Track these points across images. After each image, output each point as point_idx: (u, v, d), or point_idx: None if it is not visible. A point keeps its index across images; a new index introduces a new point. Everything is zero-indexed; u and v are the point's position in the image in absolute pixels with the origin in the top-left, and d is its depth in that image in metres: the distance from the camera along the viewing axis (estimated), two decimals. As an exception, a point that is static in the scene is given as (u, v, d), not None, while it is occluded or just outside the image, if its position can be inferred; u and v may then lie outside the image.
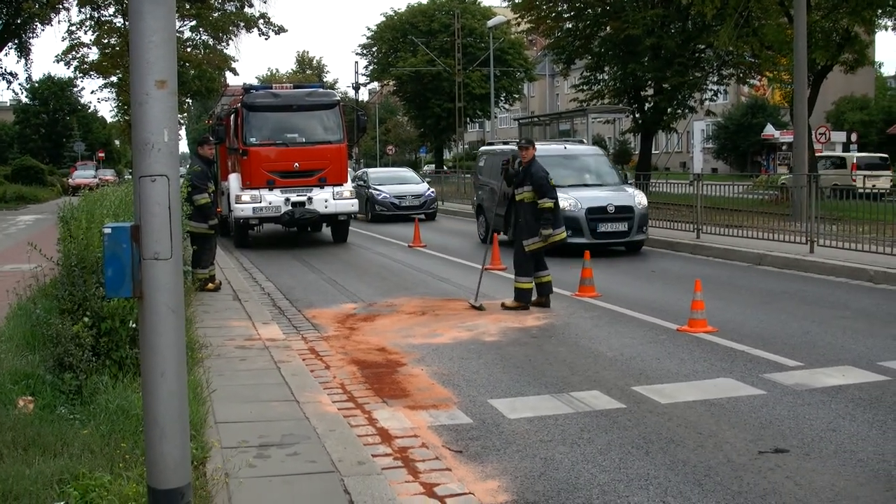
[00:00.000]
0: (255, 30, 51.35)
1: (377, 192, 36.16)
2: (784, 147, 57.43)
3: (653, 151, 55.75)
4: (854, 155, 46.26)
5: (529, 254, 14.72)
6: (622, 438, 7.89)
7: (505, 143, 26.27)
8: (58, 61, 52.34)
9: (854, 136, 61.56)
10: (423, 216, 34.65)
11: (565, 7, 52.12)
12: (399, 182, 37.69)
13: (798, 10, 28.52)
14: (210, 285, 16.30)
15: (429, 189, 37.98)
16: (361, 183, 36.68)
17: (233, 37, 52.38)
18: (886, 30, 40.44)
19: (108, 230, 5.19)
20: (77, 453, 6.47)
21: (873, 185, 25.90)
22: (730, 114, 73.82)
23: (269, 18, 51.66)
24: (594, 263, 16.18)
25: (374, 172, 41.02)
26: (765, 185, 33.89)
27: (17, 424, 6.96)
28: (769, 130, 64.18)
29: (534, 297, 14.77)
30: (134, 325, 8.44)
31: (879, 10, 36.74)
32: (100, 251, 8.46)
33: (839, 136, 58.56)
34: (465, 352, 11.63)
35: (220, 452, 7.01)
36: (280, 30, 51.67)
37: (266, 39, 67.07)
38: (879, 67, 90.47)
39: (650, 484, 6.79)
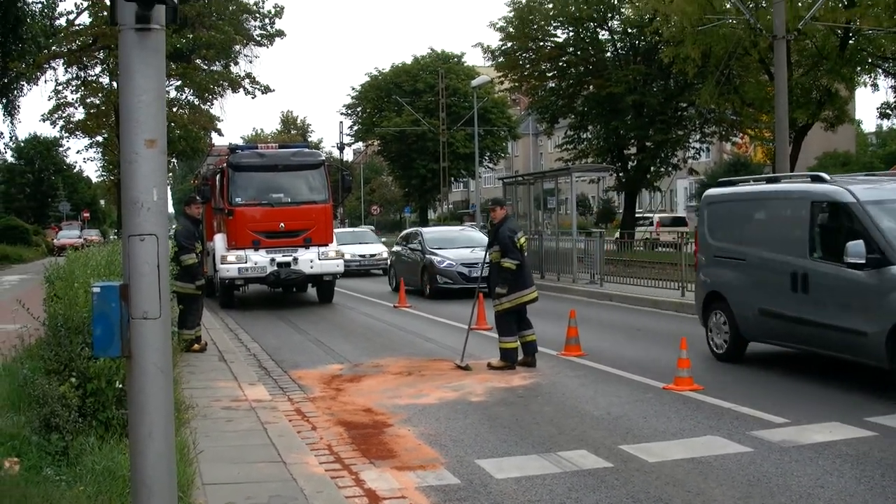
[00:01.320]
0: (241, 90, 51.59)
1: (439, 260, 28.02)
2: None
3: (637, 210, 56.02)
4: (657, 215, 51.98)
5: (506, 313, 14.74)
6: (610, 498, 7.88)
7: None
8: (44, 120, 52.49)
9: (836, 194, 61.87)
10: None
11: (548, 66, 52.61)
12: (463, 245, 29.16)
13: (778, 68, 28.81)
14: (196, 346, 16.25)
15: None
16: (413, 247, 30.62)
17: (218, 97, 52.61)
18: (865, 86, 40.81)
19: (97, 289, 5.20)
20: (63, 515, 6.43)
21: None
22: (712, 172, 74.17)
23: (254, 78, 51.94)
24: (579, 322, 16.19)
25: (431, 233, 32.38)
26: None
27: (2, 486, 6.91)
28: (752, 188, 64.52)
29: (520, 357, 14.77)
30: (121, 386, 8.40)
31: (858, 68, 37.15)
32: (86, 311, 8.47)
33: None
34: (451, 412, 11.60)
35: (207, 514, 6.97)
36: (266, 89, 51.90)
37: (252, 98, 67.50)
38: (859, 124, 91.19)
39: (639, 543, 6.77)
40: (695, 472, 8.50)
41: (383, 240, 45.35)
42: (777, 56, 28.98)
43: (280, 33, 51.43)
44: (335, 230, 36.95)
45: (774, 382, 12.75)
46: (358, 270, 38.49)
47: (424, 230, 33.25)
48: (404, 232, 34.62)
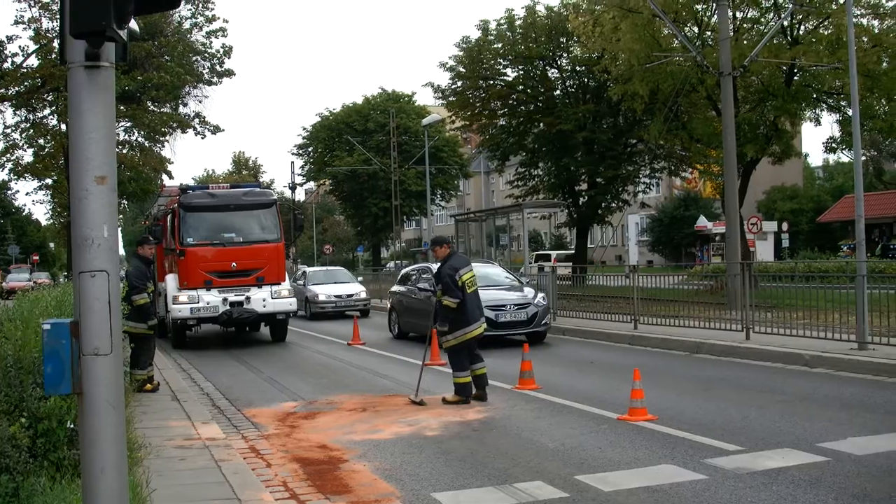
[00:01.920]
0: (191, 130, 51.39)
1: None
2: (717, 238, 58.24)
3: (589, 245, 56.33)
4: (553, 253, 54.69)
5: (456, 349, 14.81)
6: (567, 527, 7.88)
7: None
8: (-10, 164, 51.90)
9: (785, 226, 62.63)
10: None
11: (498, 104, 52.83)
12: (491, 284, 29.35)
13: (725, 104, 29.19)
14: (148, 386, 16.13)
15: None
16: (424, 287, 29.26)
17: (168, 139, 52.36)
18: (810, 121, 41.32)
19: (47, 326, 5.18)
20: (15, 557, 6.35)
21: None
22: (663, 207, 74.82)
23: (204, 118, 51.75)
24: (533, 355, 16.22)
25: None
26: (699, 275, 34.27)
27: (-49, 529, 6.82)
28: (702, 222, 65.13)
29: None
30: (72, 426, 8.33)
31: (804, 103, 37.65)
32: (36, 351, 8.40)
33: (770, 226, 59.59)
34: (406, 446, 11.58)
35: (161, 552, 6.91)
36: (216, 129, 51.68)
37: (202, 139, 67.10)
38: (806, 157, 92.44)
39: (596, 571, 6.78)
40: (650, 501, 8.53)
41: (360, 279, 44.50)
42: (724, 93, 29.37)
43: (229, 72, 51.23)
44: (309, 269, 36.90)
45: (727, 411, 12.82)
46: (334, 312, 37.12)
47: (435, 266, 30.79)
48: (407, 269, 30.40)
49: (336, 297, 37.62)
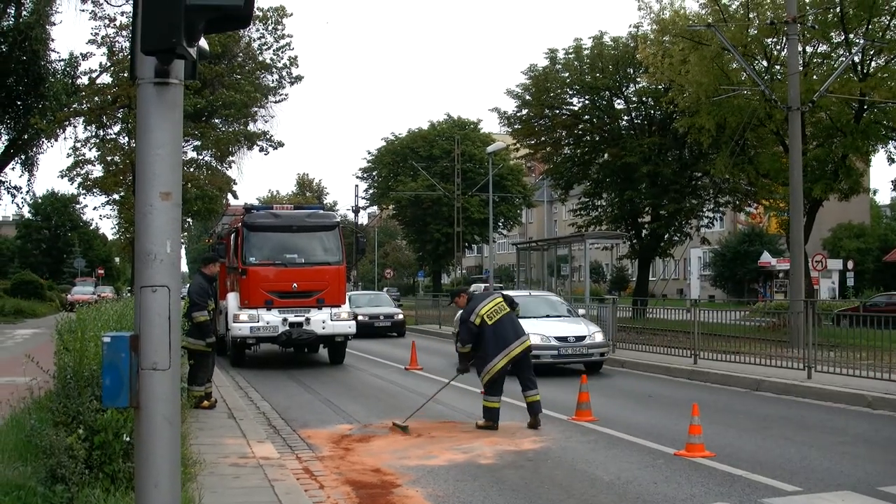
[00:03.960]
0: (256, 147, 52.06)
1: None
2: (781, 275, 57.69)
3: (650, 278, 55.98)
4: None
5: (497, 374, 14.98)
6: (619, 562, 7.80)
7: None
8: (62, 177, 52.84)
9: (850, 264, 61.88)
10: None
11: (563, 134, 52.84)
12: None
13: (793, 139, 28.95)
14: (205, 403, 16.17)
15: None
16: None
17: (234, 157, 52.97)
18: (883, 155, 40.83)
19: (107, 339, 5.21)
20: (67, 567, 6.38)
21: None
22: (727, 241, 74.24)
23: (270, 136, 52.38)
24: (591, 387, 16.12)
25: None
26: (762, 311, 33.93)
27: (6, 537, 6.88)
28: (766, 258, 64.54)
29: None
30: (128, 439, 8.39)
31: (873, 140, 37.21)
32: (96, 364, 8.47)
33: (836, 264, 58.89)
34: (460, 474, 11.53)
35: (211, 569, 6.91)
36: (279, 144, 52.28)
37: (266, 155, 67.68)
38: (874, 194, 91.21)
39: None
40: (705, 539, 8.42)
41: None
42: (792, 128, 29.13)
43: (298, 78, 51.82)
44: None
45: (786, 451, 12.64)
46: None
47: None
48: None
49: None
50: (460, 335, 15.67)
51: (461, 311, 15.72)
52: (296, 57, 51.55)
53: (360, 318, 36.93)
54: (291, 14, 51.02)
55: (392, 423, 15.16)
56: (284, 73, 51.57)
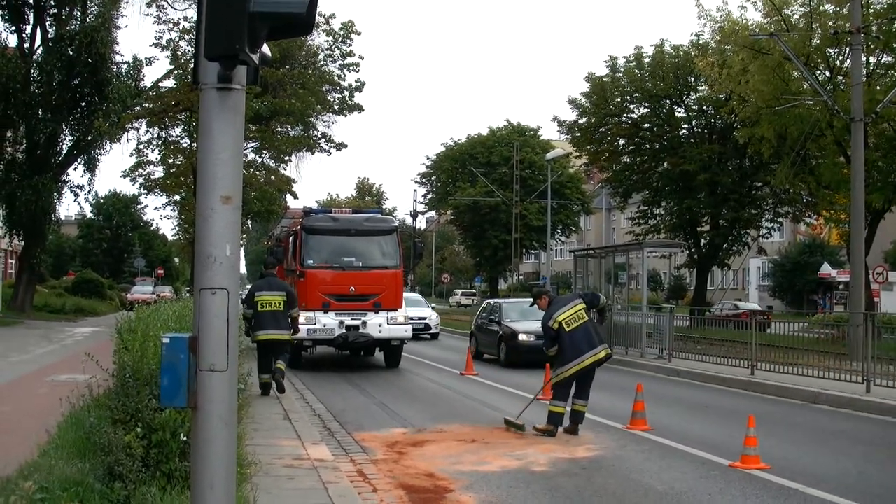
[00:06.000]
0: (317, 150, 52.51)
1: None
2: (841, 286, 57.05)
3: (708, 287, 55.60)
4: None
5: (560, 383, 15.03)
6: (671, 572, 7.77)
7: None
8: (124, 177, 53.48)
9: (913, 276, 61.02)
10: None
11: (623, 142, 52.68)
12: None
13: (855, 150, 28.65)
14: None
15: None
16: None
17: (293, 157, 53.37)
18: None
19: (166, 340, 5.28)
20: (123, 563, 6.46)
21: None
22: (787, 252, 73.55)
23: (330, 137, 52.73)
24: (646, 396, 16.06)
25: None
26: (821, 323, 33.60)
27: (64, 532, 6.97)
28: (826, 269, 63.86)
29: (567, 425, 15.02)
30: (185, 439, 8.47)
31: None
32: (155, 363, 8.57)
33: (898, 277, 58.09)
34: (513, 480, 11.53)
35: (264, 569, 6.97)
36: (340, 146, 52.57)
37: (327, 156, 68.23)
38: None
39: None
40: (758, 552, 8.36)
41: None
42: (854, 138, 28.83)
43: (358, 107, 52.11)
44: None
45: (843, 465, 12.52)
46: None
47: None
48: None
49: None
50: (545, 342, 15.76)
51: (544, 313, 15.73)
52: (363, 84, 51.88)
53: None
54: (360, 33, 51.13)
55: (505, 420, 15.59)
56: (347, 96, 51.94)
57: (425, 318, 41.62)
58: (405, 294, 45.31)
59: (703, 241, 51.37)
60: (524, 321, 27.53)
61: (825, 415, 17.90)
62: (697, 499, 10.50)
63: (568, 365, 14.97)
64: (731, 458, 12.55)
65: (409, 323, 37.27)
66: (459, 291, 74.72)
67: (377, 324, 25.19)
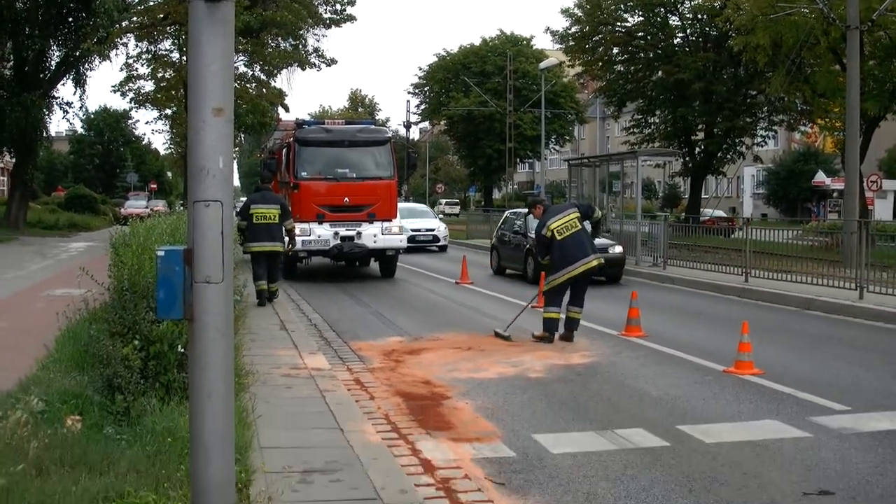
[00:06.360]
0: (308, 66, 51.92)
1: None
2: (835, 194, 57.05)
3: (702, 195, 55.61)
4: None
5: (554, 290, 15.21)
6: (666, 476, 7.86)
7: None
8: (114, 91, 53.28)
9: (907, 184, 61.02)
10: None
11: (617, 51, 52.30)
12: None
13: (851, 58, 28.46)
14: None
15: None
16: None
17: (284, 72, 52.87)
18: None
19: (161, 253, 5.26)
20: (123, 472, 6.53)
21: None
22: (781, 160, 73.41)
23: (322, 52, 52.15)
24: (640, 303, 16.13)
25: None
26: (814, 231, 33.64)
27: (64, 443, 7.04)
28: (820, 177, 63.80)
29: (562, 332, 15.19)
30: (182, 350, 8.52)
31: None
32: (151, 276, 8.59)
33: (891, 184, 58.06)
34: (509, 387, 11.62)
35: (264, 476, 7.04)
36: (331, 62, 52.07)
37: (318, 71, 67.87)
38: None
39: (693, 521, 6.75)
40: (752, 455, 8.45)
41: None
42: (850, 47, 28.61)
43: (351, 17, 51.47)
44: None
45: (836, 370, 12.61)
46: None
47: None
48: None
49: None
50: (537, 248, 16.00)
51: (537, 223, 15.84)
52: None
53: None
54: None
55: (494, 332, 15.55)
56: (338, 7, 51.23)
57: (433, 230, 40.61)
58: (411, 205, 45.22)
59: (697, 149, 51.29)
60: None
61: (818, 321, 18.01)
62: (692, 404, 10.59)
63: (560, 272, 15.08)
64: (725, 364, 12.65)
65: (416, 234, 37.23)
66: (444, 201, 74.23)
67: (372, 234, 25.21)
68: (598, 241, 22.41)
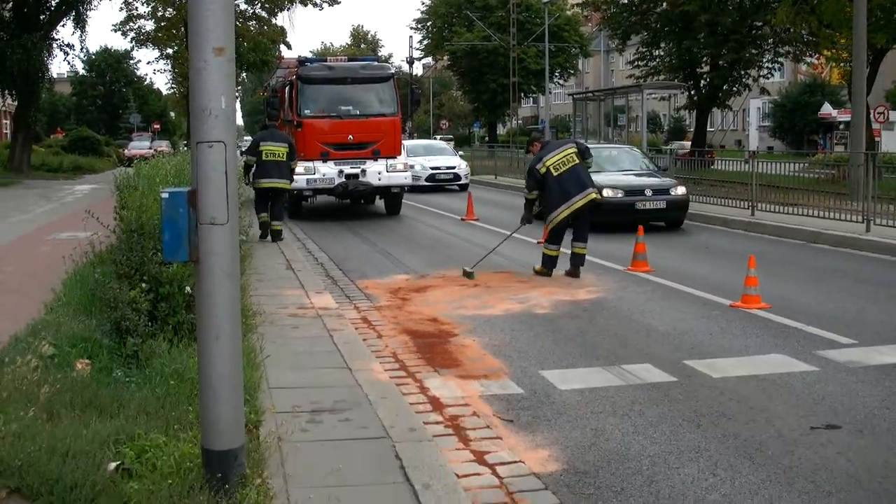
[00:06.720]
0: (309, 3, 51.53)
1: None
2: (841, 126, 56.74)
3: (708, 129, 55.31)
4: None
5: (559, 224, 15.26)
6: (673, 411, 7.89)
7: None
8: (115, 31, 53.06)
9: (914, 116, 60.62)
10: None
11: (621, -19, 51.77)
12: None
13: (858, -12, 28.12)
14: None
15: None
16: None
17: (286, 10, 52.51)
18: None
19: (165, 195, 5.26)
20: (133, 415, 6.55)
21: None
22: (787, 92, 72.92)
23: (323, -11, 51.80)
24: (647, 238, 16.12)
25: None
26: (821, 163, 33.50)
27: (74, 386, 7.06)
28: (826, 109, 63.38)
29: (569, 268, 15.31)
30: (190, 291, 8.52)
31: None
32: (157, 218, 8.57)
33: (898, 116, 57.73)
34: (516, 323, 11.65)
35: (273, 416, 7.08)
36: (333, 1, 51.72)
37: (320, 10, 67.36)
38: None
39: (700, 456, 6.78)
40: (758, 390, 8.47)
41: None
42: (858, -24, 28.27)
43: None
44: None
45: (842, 304, 12.60)
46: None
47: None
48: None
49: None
50: (527, 182, 15.95)
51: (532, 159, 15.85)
52: None
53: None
54: None
55: (463, 270, 15.48)
56: None
57: (454, 168, 38.33)
58: (429, 142, 44.66)
59: (702, 82, 50.85)
60: (604, 172, 22.05)
61: (825, 254, 17.98)
62: (699, 338, 10.60)
63: (558, 209, 15.11)
64: (731, 298, 12.65)
65: (436, 172, 36.73)
66: (438, 136, 73.84)
67: (376, 171, 25.15)
68: (660, 181, 22.32)
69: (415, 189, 34.66)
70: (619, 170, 23.09)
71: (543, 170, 15.20)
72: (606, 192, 20.02)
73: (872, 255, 17.53)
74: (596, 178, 19.54)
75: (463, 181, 38.07)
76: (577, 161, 15.26)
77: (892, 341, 10.21)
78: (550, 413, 7.91)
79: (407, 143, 39.81)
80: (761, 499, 6.03)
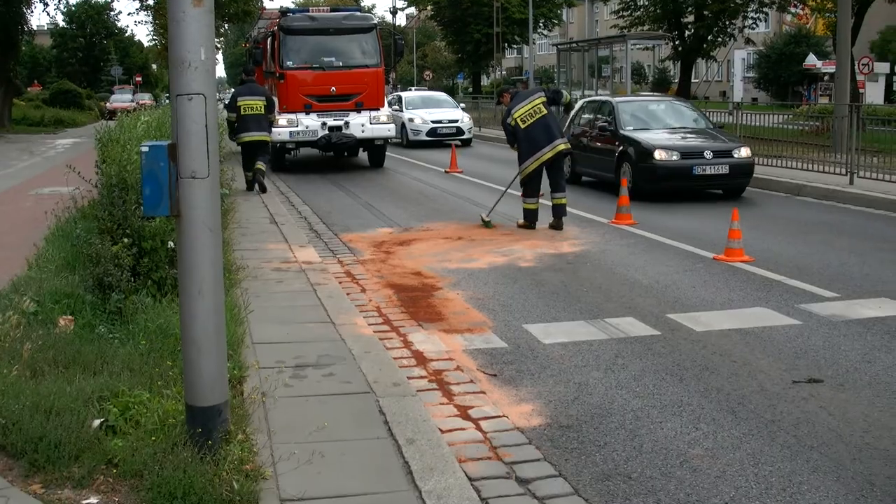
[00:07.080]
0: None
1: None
2: (826, 77, 56.62)
3: (692, 80, 55.19)
4: None
5: (526, 179, 15.48)
6: (656, 365, 7.91)
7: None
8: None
9: (898, 67, 60.52)
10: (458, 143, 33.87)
11: (605, -70, 51.45)
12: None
13: (844, -65, 28.00)
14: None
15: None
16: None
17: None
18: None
19: (145, 149, 5.21)
20: (117, 371, 6.55)
21: None
22: (772, 43, 72.72)
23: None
24: (630, 191, 16.11)
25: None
26: (805, 115, 33.45)
27: (57, 343, 7.04)
28: (811, 60, 63.23)
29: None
30: (172, 246, 8.48)
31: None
32: (139, 171, 8.52)
33: (883, 67, 57.64)
34: (500, 277, 11.64)
35: (257, 372, 7.07)
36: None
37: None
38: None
39: (683, 410, 6.81)
40: (742, 343, 8.50)
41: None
42: (843, -77, 28.14)
43: None
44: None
45: (825, 257, 12.62)
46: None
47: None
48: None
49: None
50: (506, 136, 16.14)
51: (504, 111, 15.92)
52: None
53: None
54: None
55: (481, 218, 15.81)
56: None
57: (457, 121, 35.80)
58: (429, 93, 44.00)
59: (687, 32, 50.69)
60: (655, 130, 19.84)
61: (808, 207, 18.00)
62: (682, 291, 10.62)
63: (528, 160, 15.29)
64: (715, 251, 12.68)
65: (438, 126, 36.05)
66: (413, 88, 73.55)
67: (360, 123, 25.03)
68: (721, 142, 19.30)
69: (415, 144, 34.41)
70: (667, 127, 20.18)
71: (513, 122, 15.39)
72: (659, 155, 18.22)
73: (855, 208, 17.54)
74: (644, 136, 18.94)
75: (466, 135, 35.72)
76: (546, 111, 15.28)
77: (874, 294, 10.25)
78: (534, 367, 7.92)
79: (404, 94, 39.32)
80: (743, 453, 6.05)
